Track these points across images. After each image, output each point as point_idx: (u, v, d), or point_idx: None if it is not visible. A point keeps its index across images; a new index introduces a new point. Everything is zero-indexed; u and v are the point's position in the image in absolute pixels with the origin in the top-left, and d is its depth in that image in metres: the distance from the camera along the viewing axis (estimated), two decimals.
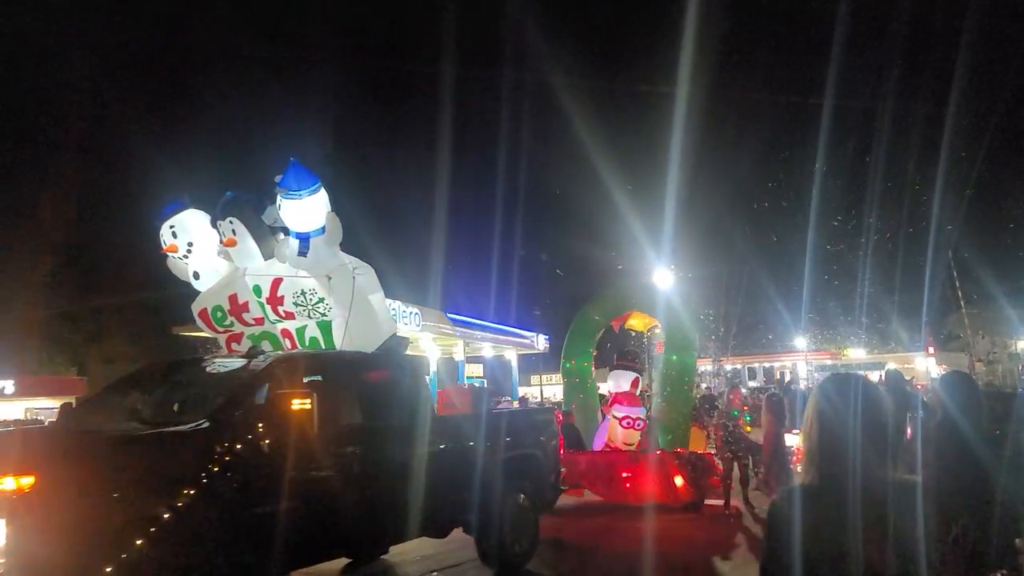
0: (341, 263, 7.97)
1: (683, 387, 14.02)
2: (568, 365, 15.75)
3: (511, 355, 38.84)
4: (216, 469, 5.97)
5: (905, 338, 46.44)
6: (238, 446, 6.18)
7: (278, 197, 7.63)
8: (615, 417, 13.25)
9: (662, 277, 38.34)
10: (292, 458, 6.32)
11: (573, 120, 33.40)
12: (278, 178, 7.60)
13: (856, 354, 46.30)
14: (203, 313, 8.23)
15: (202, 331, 28.28)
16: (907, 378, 12.76)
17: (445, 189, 39.60)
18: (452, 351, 38.26)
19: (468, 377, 39.67)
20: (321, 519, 6.65)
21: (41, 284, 33.09)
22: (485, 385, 32.05)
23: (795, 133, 34.74)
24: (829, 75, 25.39)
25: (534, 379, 43.80)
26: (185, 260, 8.22)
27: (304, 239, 7.69)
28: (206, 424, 6.07)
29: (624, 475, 12.41)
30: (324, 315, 7.89)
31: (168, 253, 8.19)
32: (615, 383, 13.86)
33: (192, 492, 5.65)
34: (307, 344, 8.02)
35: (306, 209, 7.59)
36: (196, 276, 8.26)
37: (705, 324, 41.26)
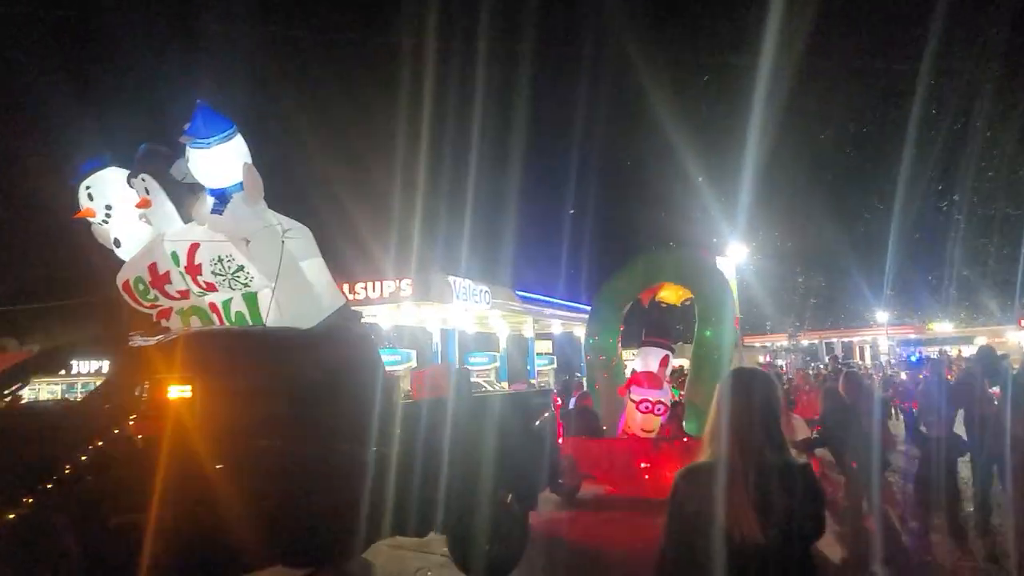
0: (267, 225, 6.44)
1: (718, 367, 11.95)
2: (592, 341, 13.93)
3: (580, 332, 37.18)
4: (70, 469, 4.92)
5: (996, 310, 42.65)
6: (100, 444, 5.04)
7: (186, 147, 6.16)
8: (632, 400, 11.50)
9: (736, 251, 36.17)
10: (174, 458, 5.02)
11: (647, 89, 31.22)
12: (187, 125, 6.12)
13: (942, 328, 42.68)
14: (126, 286, 6.89)
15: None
16: (1001, 354, 10.27)
17: (516, 166, 38.00)
18: (521, 328, 37.03)
19: (538, 354, 38.47)
20: (216, 530, 5.20)
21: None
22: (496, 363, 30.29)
23: (883, 97, 31.53)
24: (922, 39, 22.66)
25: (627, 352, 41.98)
26: (105, 225, 6.87)
27: (219, 196, 6.22)
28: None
29: (642, 465, 10.62)
30: (247, 285, 6.44)
31: (85, 218, 6.83)
32: (643, 361, 12.09)
33: (40, 491, 4.77)
34: (233, 319, 6.60)
35: (217, 160, 6.11)
36: (117, 244, 6.93)
37: (781, 299, 38.76)
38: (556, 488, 9.63)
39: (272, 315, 6.43)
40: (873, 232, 33.79)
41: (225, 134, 6.08)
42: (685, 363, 19.06)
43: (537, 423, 8.24)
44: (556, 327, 36.62)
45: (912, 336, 41.88)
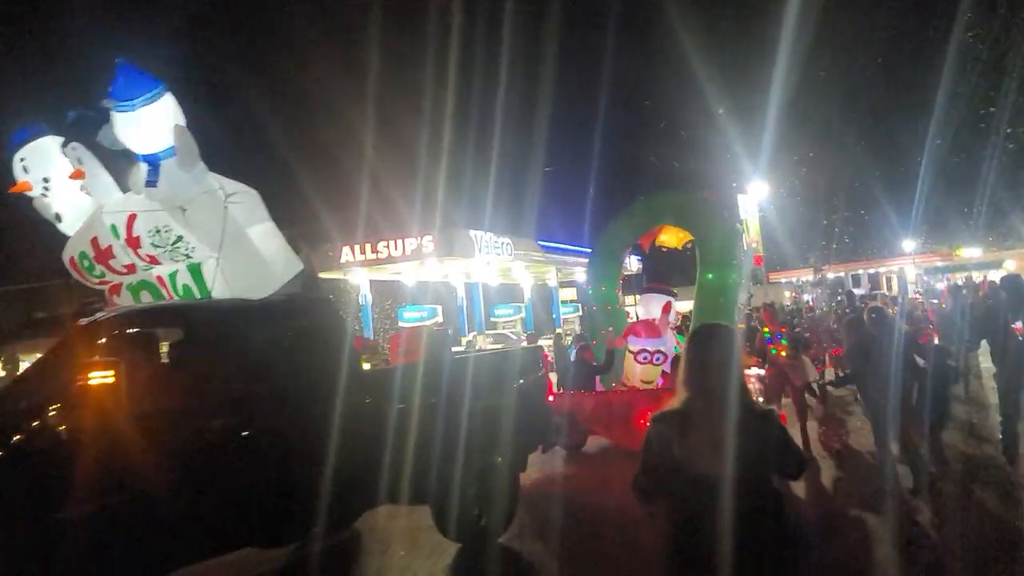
0: (206, 190, 5.91)
1: (721, 312, 11.27)
2: (591, 291, 13.31)
3: None
4: None
5: None
6: (22, 436, 4.57)
7: (111, 111, 5.58)
8: (630, 351, 10.87)
9: (758, 188, 35.06)
10: (101, 448, 4.57)
11: (667, 20, 29.95)
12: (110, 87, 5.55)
13: (970, 253, 41.18)
14: (72, 262, 6.42)
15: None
16: None
17: (536, 114, 37.04)
18: (545, 278, 36.54)
19: (562, 303, 37.97)
20: (156, 520, 4.77)
21: None
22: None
23: (917, 16, 29.81)
24: None
25: (628, 300, 41.23)
26: (45, 199, 6.36)
27: (152, 162, 5.65)
28: None
29: (642, 419, 9.88)
30: (188, 256, 5.95)
31: (21, 193, 6.32)
32: (645, 309, 11.58)
33: None
34: (180, 293, 6.11)
35: (144, 123, 5.53)
36: (58, 218, 6.44)
37: (805, 233, 37.67)
38: (548, 447, 9.17)
39: (219, 287, 5.94)
40: (901, 157, 32.45)
41: (151, 95, 5.49)
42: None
43: (523, 382, 7.66)
44: (580, 274, 36.02)
45: (939, 263, 40.51)
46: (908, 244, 40.06)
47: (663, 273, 12.55)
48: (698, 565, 2.81)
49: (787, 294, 40.70)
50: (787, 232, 36.50)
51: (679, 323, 13.13)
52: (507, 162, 34.88)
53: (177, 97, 5.79)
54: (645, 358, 10.71)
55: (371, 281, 30.27)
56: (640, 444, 9.24)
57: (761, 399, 9.29)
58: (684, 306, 14.85)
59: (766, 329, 10.32)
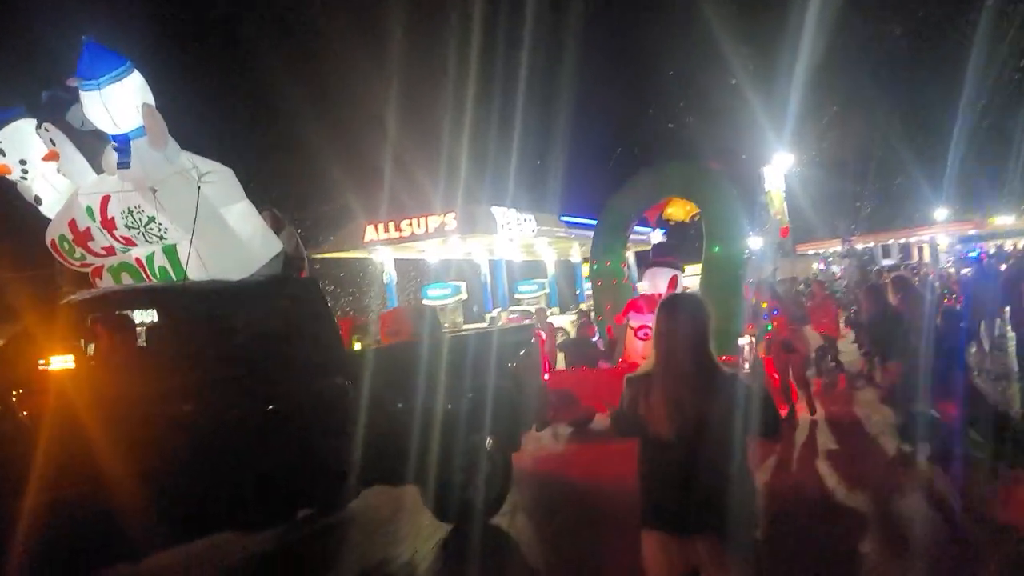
0: (179, 170, 5.73)
1: (728, 286, 10.95)
2: (596, 267, 12.87)
3: (628, 253, 36.02)
4: None
5: None
6: None
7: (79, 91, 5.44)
8: (631, 327, 10.59)
9: (783, 158, 34.34)
10: (62, 436, 4.43)
11: None
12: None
13: (1004, 221, 40.09)
14: (53, 245, 6.31)
15: (339, 252, 27.03)
16: None
17: (558, 89, 36.49)
18: (568, 253, 36.25)
19: (585, 278, 37.56)
20: (117, 507, 4.58)
21: None
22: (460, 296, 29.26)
23: None
24: None
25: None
26: (25, 181, 6.27)
27: (122, 142, 5.51)
28: None
29: None
30: (162, 238, 5.78)
31: (3, 176, 6.22)
32: (651, 283, 11.10)
33: None
34: (158, 275, 5.98)
35: (110, 102, 5.37)
36: (38, 201, 6.33)
37: (833, 203, 36.87)
38: (542, 427, 8.93)
39: (194, 268, 5.79)
40: (932, 123, 31.51)
41: (116, 72, 5.33)
42: None
43: (514, 360, 7.55)
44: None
45: (972, 232, 39.48)
46: (940, 213, 39.08)
47: (670, 247, 12.14)
48: (661, 514, 3.08)
49: (815, 266, 40.00)
50: (815, 203, 35.76)
51: None
52: (529, 138, 34.51)
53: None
54: (646, 334, 10.14)
55: (395, 260, 30.21)
56: None
57: (748, 366, 9.13)
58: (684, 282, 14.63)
59: (764, 304, 10.13)
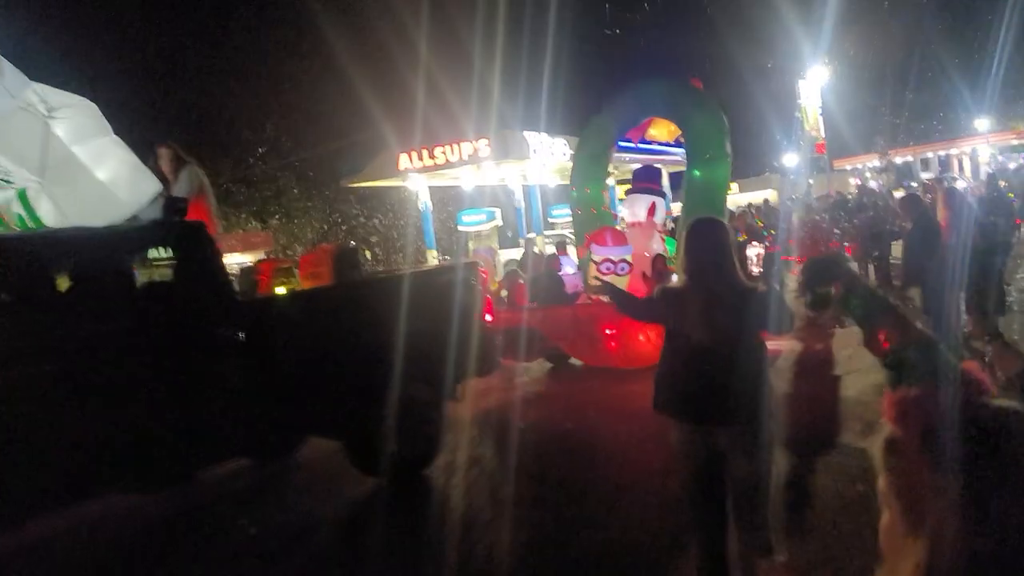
0: (21, 106, 5.20)
1: (710, 211, 9.96)
2: (575, 194, 12.17)
3: (610, 180, 35.68)
4: None
5: None
6: None
7: None
8: (593, 261, 10.10)
9: (818, 72, 33.70)
10: None
11: None
12: None
13: None
14: None
15: (374, 181, 27.24)
16: None
17: (589, 11, 35.87)
18: None
19: (619, 200, 37.32)
20: None
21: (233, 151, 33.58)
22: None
23: None
24: None
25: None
26: None
27: None
28: None
29: (607, 332, 9.37)
30: (8, 182, 5.39)
31: None
32: (630, 210, 10.84)
33: None
34: (16, 222, 5.59)
35: None
36: None
37: (871, 116, 36.13)
38: (486, 373, 8.34)
39: (49, 214, 5.41)
40: (973, 25, 30.49)
41: None
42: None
43: (451, 303, 7.08)
44: (626, 172, 35.37)
45: (1015, 142, 38.38)
46: (981, 123, 38.01)
47: (651, 171, 11.88)
48: (690, 408, 3.48)
49: (852, 181, 39.46)
50: (852, 117, 35.11)
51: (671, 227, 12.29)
52: (562, 61, 34.07)
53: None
54: (608, 268, 9.93)
55: (430, 188, 30.43)
56: (605, 360, 9.36)
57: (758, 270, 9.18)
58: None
59: (743, 237, 9.57)
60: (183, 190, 6.23)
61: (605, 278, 9.60)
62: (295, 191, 34.71)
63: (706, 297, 3.40)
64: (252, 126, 33.80)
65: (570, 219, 32.88)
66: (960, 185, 18.67)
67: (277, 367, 5.67)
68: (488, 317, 7.71)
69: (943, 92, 35.44)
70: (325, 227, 35.41)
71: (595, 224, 11.40)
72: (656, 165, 12.19)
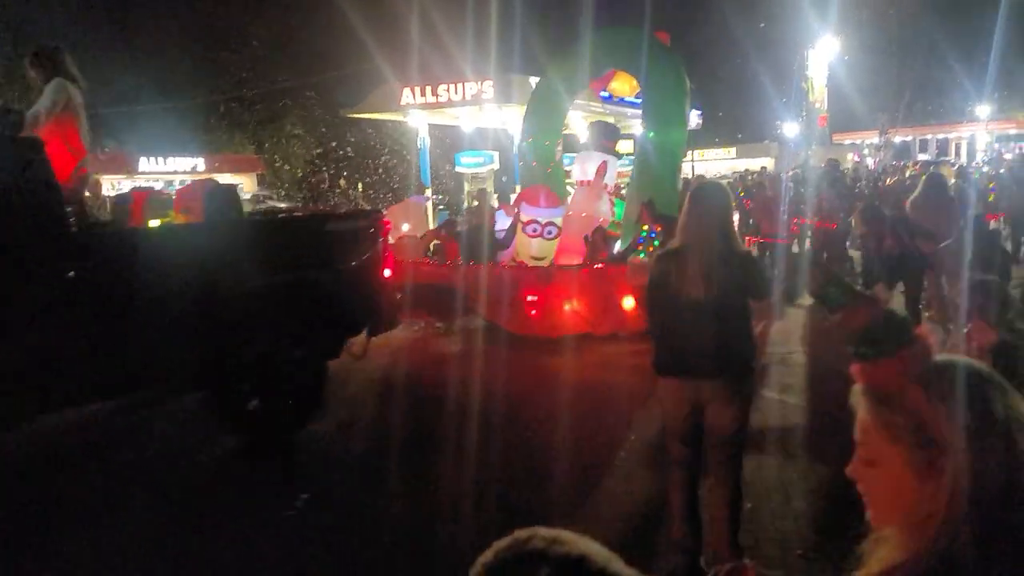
0: None
1: (664, 178, 9.54)
2: (527, 144, 11.33)
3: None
4: None
5: None
6: None
7: None
8: (521, 221, 9.48)
9: (827, 43, 33.55)
10: None
11: None
12: None
13: None
14: None
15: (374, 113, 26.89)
16: None
17: None
18: None
19: (628, 155, 37.12)
20: None
21: (220, 70, 33.02)
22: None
23: None
24: None
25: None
26: None
27: None
28: None
29: (528, 299, 8.75)
30: None
31: None
32: (580, 167, 10.30)
33: None
34: None
35: None
36: None
37: (874, 93, 36.12)
38: (376, 331, 7.40)
39: None
40: (975, 15, 30.44)
41: None
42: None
43: (341, 253, 6.55)
44: (638, 127, 35.06)
45: (1013, 131, 38.58)
46: (982, 110, 38.15)
47: (607, 128, 11.29)
48: (679, 363, 3.72)
49: (849, 156, 39.57)
50: (856, 91, 35.09)
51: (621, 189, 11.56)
52: (570, 7, 33.65)
53: None
54: (534, 230, 9.31)
55: (430, 125, 30.23)
56: (527, 327, 8.68)
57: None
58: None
59: (644, 227, 8.64)
60: (43, 104, 5.64)
61: (532, 241, 9.30)
62: (292, 115, 34.28)
63: (706, 258, 3.59)
64: (243, 41, 33.18)
65: (567, 168, 32.95)
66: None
67: (113, 304, 5.14)
68: (387, 271, 7.08)
69: (947, 76, 35.43)
70: (316, 152, 34.94)
71: (545, 180, 10.78)
72: (613, 124, 11.51)
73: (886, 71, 34.97)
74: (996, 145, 36.37)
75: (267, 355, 5.89)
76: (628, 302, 8.32)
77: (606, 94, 28.14)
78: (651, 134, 10.05)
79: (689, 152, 40.29)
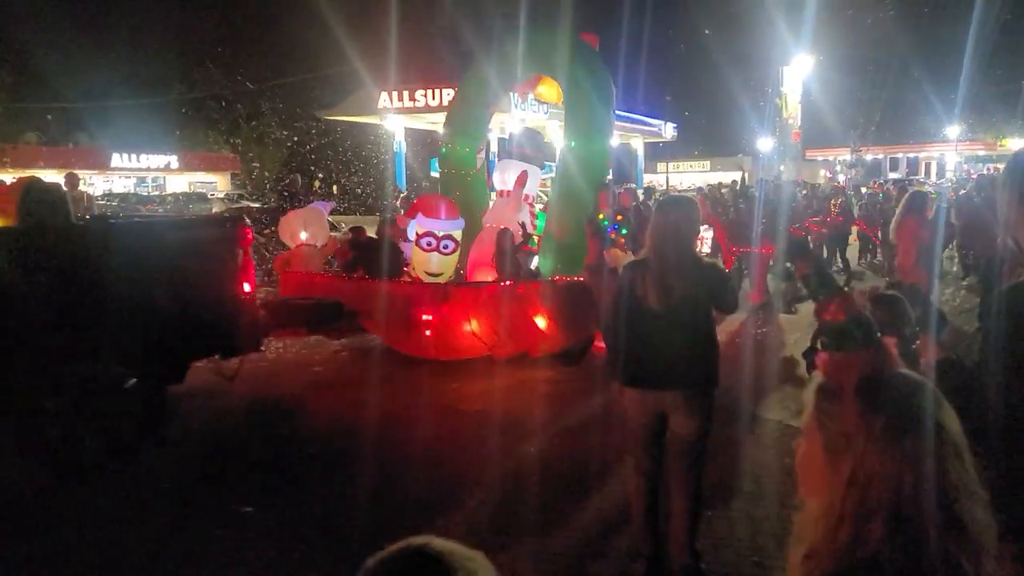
0: None
1: (581, 191, 8.76)
2: (445, 150, 10.68)
3: (638, 144, 35.94)
4: None
5: None
6: None
7: None
8: (416, 234, 8.76)
9: (803, 61, 33.98)
10: None
11: None
12: None
13: (1017, 143, 39.90)
14: None
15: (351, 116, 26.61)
16: None
17: None
18: None
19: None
20: None
21: (196, 66, 32.80)
22: None
23: None
24: None
25: (660, 167, 40.70)
26: None
27: None
28: None
29: (425, 318, 7.83)
30: None
31: None
32: (500, 177, 9.64)
33: None
34: None
35: None
36: None
37: (846, 111, 36.68)
38: (232, 354, 6.59)
39: None
40: (947, 39, 31.13)
41: None
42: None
43: (187, 265, 5.88)
44: (613, 138, 35.29)
45: (982, 152, 39.35)
46: (952, 131, 38.88)
47: (531, 136, 10.47)
48: (642, 374, 3.73)
49: (822, 172, 40.13)
50: (830, 109, 35.64)
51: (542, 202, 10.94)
52: (545, 18, 33.87)
53: None
54: (429, 244, 8.56)
55: (406, 129, 30.22)
56: (420, 349, 7.92)
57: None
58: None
59: (601, 216, 8.03)
60: None
61: (428, 255, 8.58)
62: (268, 116, 34.15)
63: (666, 268, 3.60)
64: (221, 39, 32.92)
65: (543, 176, 33.02)
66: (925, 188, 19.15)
67: None
68: (247, 287, 6.34)
69: (919, 97, 36.16)
70: (288, 150, 34.75)
71: (464, 188, 10.18)
72: (537, 131, 10.50)
73: (859, 90, 35.56)
74: (965, 166, 37.04)
75: (83, 378, 5.23)
76: (540, 322, 7.63)
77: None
78: (572, 144, 9.32)
79: (664, 164, 40.88)
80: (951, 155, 39.32)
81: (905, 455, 1.13)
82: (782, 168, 30.88)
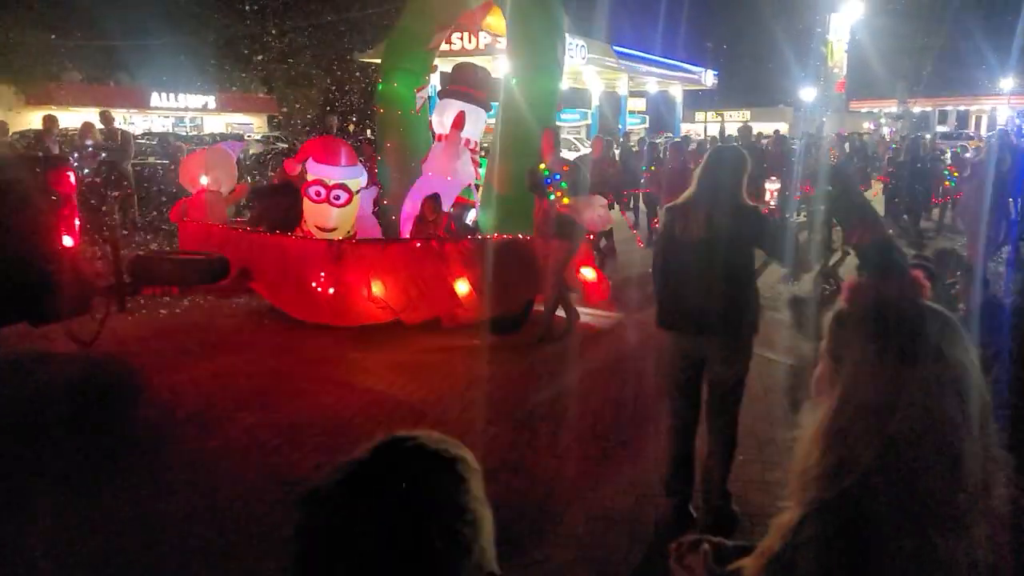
0: None
1: (531, 135, 7.55)
2: (381, 87, 9.53)
3: (676, 91, 35.39)
4: None
5: None
6: None
7: None
8: (305, 180, 7.82)
9: (852, 7, 33.03)
10: None
11: None
12: None
13: None
14: None
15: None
16: None
17: None
18: (616, 85, 35.56)
19: (630, 112, 37.04)
20: None
21: (232, 6, 32.72)
22: None
23: None
24: None
25: (699, 116, 40.06)
26: None
27: None
28: None
29: (320, 277, 6.98)
30: None
31: None
32: (438, 119, 8.57)
33: None
34: None
35: None
36: None
37: (895, 61, 35.64)
38: (47, 319, 5.89)
39: None
40: None
41: None
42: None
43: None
44: (652, 85, 34.99)
45: None
46: (1006, 83, 37.61)
47: (471, 73, 8.67)
48: (681, 317, 3.81)
49: (865, 124, 39.20)
50: (877, 58, 34.63)
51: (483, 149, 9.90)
52: None
53: None
54: (318, 194, 7.59)
55: (441, 73, 30.08)
56: (312, 314, 7.26)
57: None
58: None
59: (543, 166, 7.08)
60: None
61: (319, 206, 7.66)
62: (305, 55, 33.96)
63: (711, 205, 3.68)
64: None
65: (578, 124, 32.56)
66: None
67: None
68: (67, 240, 5.59)
69: (970, 46, 34.93)
70: (326, 93, 34.59)
71: (400, 131, 9.35)
72: (482, 67, 9.12)
73: (909, 37, 34.42)
74: (1017, 120, 35.91)
75: None
76: (461, 286, 6.91)
77: (581, 43, 27.79)
78: (515, 81, 8.22)
79: (704, 113, 40.15)
80: (1003, 108, 38.09)
81: (896, 380, 1.14)
82: (824, 120, 30.27)
